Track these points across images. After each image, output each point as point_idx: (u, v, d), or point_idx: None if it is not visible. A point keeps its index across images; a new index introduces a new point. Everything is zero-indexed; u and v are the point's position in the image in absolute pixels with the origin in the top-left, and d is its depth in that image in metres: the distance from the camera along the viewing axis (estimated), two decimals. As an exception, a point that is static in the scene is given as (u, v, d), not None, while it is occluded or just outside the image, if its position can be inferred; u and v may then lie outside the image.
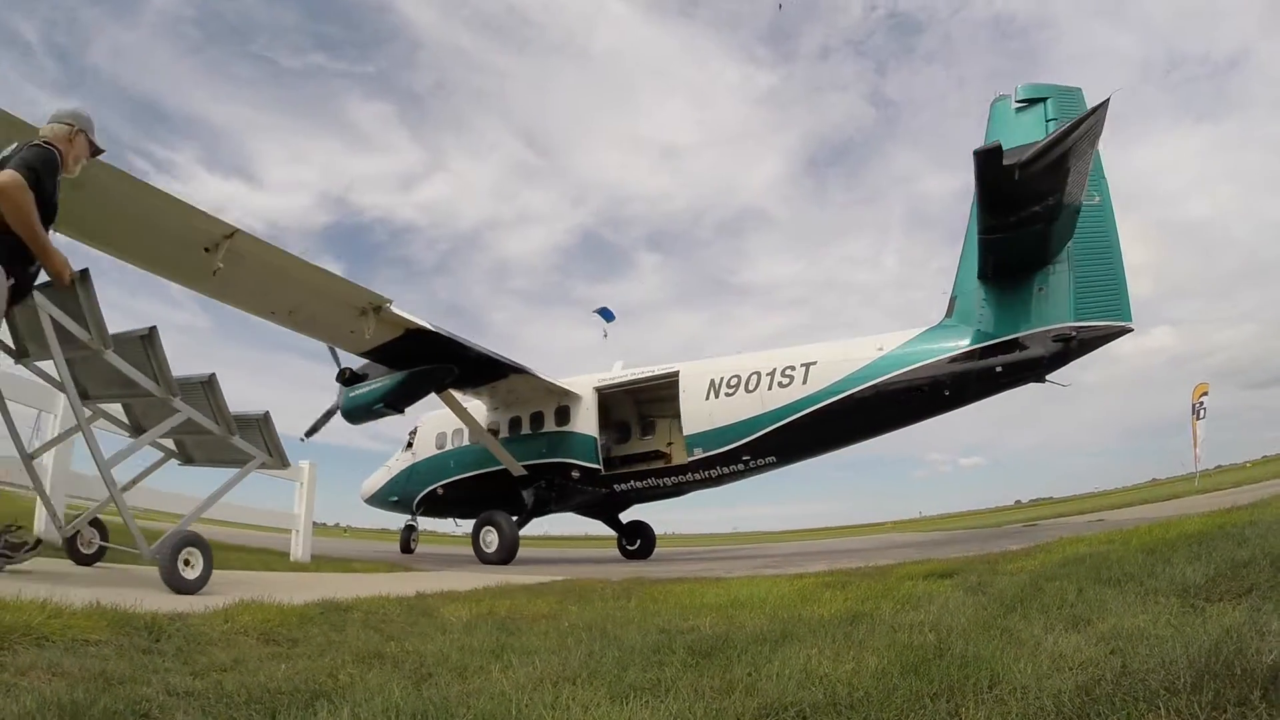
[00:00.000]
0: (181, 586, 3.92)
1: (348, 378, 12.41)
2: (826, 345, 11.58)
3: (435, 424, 13.87)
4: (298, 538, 7.26)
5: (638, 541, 14.42)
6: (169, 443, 5.08)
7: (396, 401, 11.52)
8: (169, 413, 4.37)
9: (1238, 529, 4.29)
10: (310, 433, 14.04)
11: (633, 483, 12.42)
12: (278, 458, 5.00)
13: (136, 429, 4.77)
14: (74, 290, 3.98)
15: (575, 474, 12.36)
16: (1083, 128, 7.64)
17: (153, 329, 4.30)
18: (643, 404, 13.71)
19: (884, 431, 11.31)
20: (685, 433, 11.56)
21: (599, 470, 12.24)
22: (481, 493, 12.59)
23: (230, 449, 4.78)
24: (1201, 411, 19.89)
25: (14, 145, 3.82)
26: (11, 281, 3.52)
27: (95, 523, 4.70)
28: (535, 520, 12.87)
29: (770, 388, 11.08)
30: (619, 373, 13.05)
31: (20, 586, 2.77)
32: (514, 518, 11.70)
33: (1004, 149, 7.83)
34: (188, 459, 5.18)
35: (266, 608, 3.15)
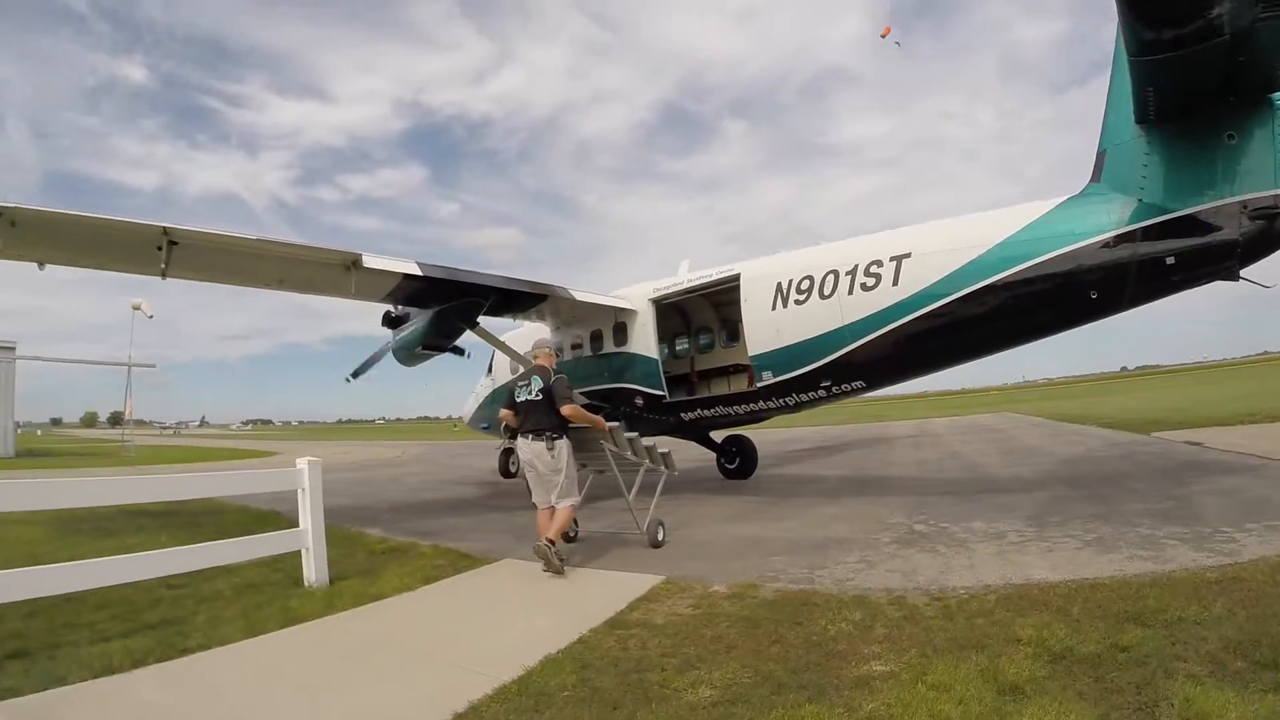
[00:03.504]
0: (657, 544, 6.73)
1: (391, 319, 11.44)
2: (926, 229, 8.54)
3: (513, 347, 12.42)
4: (309, 557, 5.79)
5: (737, 460, 12.85)
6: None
7: (434, 342, 10.39)
8: (640, 466, 7.22)
9: None
10: (356, 374, 13.11)
11: (700, 411, 10.66)
12: (657, 461, 7.31)
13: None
14: (609, 432, 6.76)
15: (639, 400, 10.77)
16: None
17: (636, 436, 7.18)
18: (721, 306, 11.72)
19: (1009, 346, 8.35)
20: (750, 353, 9.43)
21: (663, 396, 10.52)
22: None
23: (633, 465, 7.23)
24: None
25: (531, 373, 6.47)
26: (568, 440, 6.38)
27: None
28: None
29: (851, 291, 8.47)
30: (683, 276, 10.92)
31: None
32: None
33: None
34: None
35: None
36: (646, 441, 7.37)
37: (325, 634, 4.56)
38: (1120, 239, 7.07)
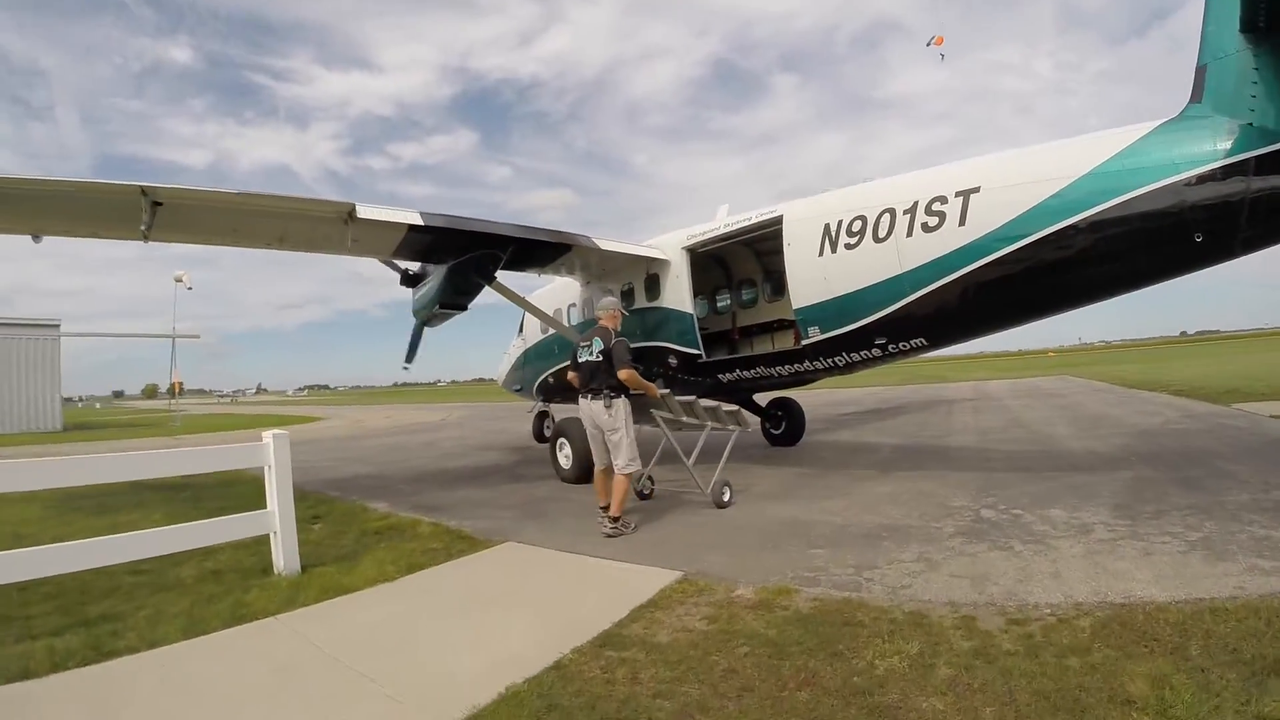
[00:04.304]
0: (722, 505, 6.78)
1: (410, 278, 10.69)
2: (997, 160, 7.09)
3: (540, 305, 11.65)
4: (277, 542, 5.12)
5: (783, 425, 11.99)
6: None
7: (451, 300, 9.46)
8: (703, 427, 7.27)
9: None
10: (409, 358, 12.43)
11: (740, 372, 9.51)
12: (723, 420, 7.21)
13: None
14: (661, 399, 6.96)
15: (672, 360, 9.79)
16: None
17: (694, 400, 7.11)
18: (764, 255, 10.63)
19: (1095, 299, 6.97)
20: (795, 306, 8.21)
21: (699, 356, 9.50)
22: None
23: (695, 427, 7.29)
24: None
25: (592, 335, 6.58)
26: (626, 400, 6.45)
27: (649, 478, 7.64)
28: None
29: (910, 233, 7.17)
30: (721, 220, 9.75)
31: None
32: None
33: None
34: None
35: None
36: (709, 402, 7.17)
37: (267, 638, 3.88)
38: (1229, 170, 5.72)
